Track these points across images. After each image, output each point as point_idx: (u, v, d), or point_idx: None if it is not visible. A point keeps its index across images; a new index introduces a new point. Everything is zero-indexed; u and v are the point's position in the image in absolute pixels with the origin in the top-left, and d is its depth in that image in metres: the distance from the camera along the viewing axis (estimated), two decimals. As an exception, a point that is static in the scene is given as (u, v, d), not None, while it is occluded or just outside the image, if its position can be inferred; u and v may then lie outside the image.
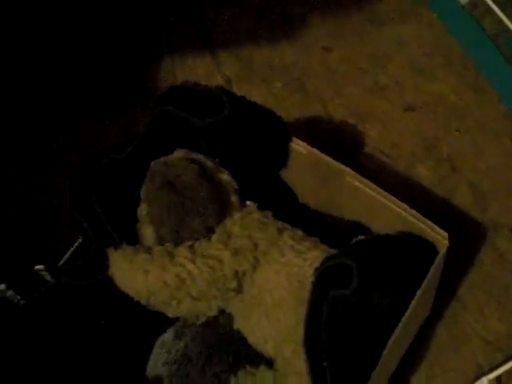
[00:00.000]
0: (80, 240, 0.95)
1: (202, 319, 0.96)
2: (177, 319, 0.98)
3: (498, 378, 1.01)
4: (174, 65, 1.41)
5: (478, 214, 1.17)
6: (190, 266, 0.86)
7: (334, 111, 1.32)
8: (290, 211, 0.97)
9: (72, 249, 0.95)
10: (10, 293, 0.88)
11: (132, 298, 0.91)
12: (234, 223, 0.90)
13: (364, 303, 0.81)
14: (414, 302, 0.85)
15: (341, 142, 0.97)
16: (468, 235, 1.15)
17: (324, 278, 0.82)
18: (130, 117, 1.29)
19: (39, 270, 0.89)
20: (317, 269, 0.84)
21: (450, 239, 0.88)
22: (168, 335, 0.98)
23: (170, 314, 0.95)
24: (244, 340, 0.94)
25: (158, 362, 0.97)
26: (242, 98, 0.97)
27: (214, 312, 0.95)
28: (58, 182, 0.97)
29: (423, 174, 1.23)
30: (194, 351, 0.94)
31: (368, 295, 0.81)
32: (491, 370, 1.01)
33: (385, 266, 0.83)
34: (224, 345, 0.94)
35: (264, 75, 1.36)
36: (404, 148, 1.26)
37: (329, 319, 0.79)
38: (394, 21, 1.43)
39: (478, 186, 1.20)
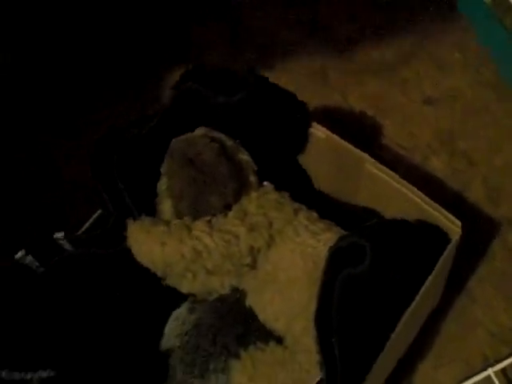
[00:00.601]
0: (99, 212, 0.97)
1: (215, 296, 0.97)
2: (190, 296, 1.00)
3: (504, 370, 1.02)
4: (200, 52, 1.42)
5: (491, 210, 1.19)
6: (207, 240, 0.87)
7: (354, 102, 1.34)
8: (305, 196, 0.97)
9: (91, 220, 0.96)
10: (28, 259, 0.89)
11: (148, 272, 0.92)
12: (251, 201, 0.91)
13: (375, 283, 0.82)
14: (424, 287, 0.86)
15: (359, 132, 0.98)
16: (480, 230, 1.16)
17: (337, 257, 0.83)
18: (152, 93, 1.31)
19: (58, 238, 0.91)
20: (331, 247, 0.85)
21: (462, 230, 0.89)
22: (182, 309, 1.00)
23: (184, 289, 0.96)
24: (255, 317, 0.95)
25: (171, 334, 0.98)
26: (266, 79, 0.98)
27: (226, 290, 0.96)
28: (79, 156, 0.99)
29: (438, 166, 1.24)
30: (205, 323, 0.96)
31: (380, 276, 0.82)
32: (497, 362, 1.02)
33: (398, 248, 0.84)
34: (235, 318, 0.96)
35: (286, 63, 1.38)
36: (420, 140, 1.28)
37: (340, 297, 0.80)
38: (418, 16, 1.44)
39: (492, 181, 1.21)
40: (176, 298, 1.00)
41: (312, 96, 1.01)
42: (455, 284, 1.10)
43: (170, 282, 0.96)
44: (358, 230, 0.85)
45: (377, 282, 0.82)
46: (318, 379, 0.83)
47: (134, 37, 1.46)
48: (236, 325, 0.96)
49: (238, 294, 0.98)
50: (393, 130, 1.30)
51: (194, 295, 1.00)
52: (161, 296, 0.98)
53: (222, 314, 0.96)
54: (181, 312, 1.00)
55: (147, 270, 0.92)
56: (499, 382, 0.99)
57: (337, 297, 0.80)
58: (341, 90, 1.35)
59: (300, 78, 1.06)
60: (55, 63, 1.43)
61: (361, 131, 0.99)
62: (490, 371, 1.00)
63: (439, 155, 1.26)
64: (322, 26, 1.46)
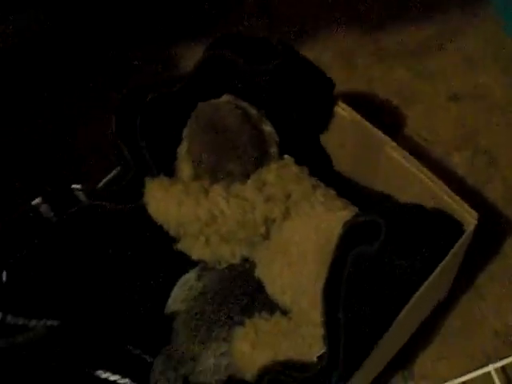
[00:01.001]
0: (116, 170, 0.97)
1: (224, 265, 0.98)
2: (200, 262, 1.01)
3: (504, 369, 1.03)
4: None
5: (507, 209, 1.18)
6: (223, 205, 0.87)
7: (379, 89, 1.34)
8: (323, 174, 0.97)
9: (109, 176, 0.97)
10: (44, 207, 0.89)
11: (161, 233, 0.93)
12: (270, 172, 0.91)
13: (386, 263, 0.81)
14: (434, 274, 0.86)
15: (380, 120, 0.98)
16: (495, 228, 1.16)
17: (351, 233, 0.84)
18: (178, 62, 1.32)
19: (75, 189, 0.91)
20: (345, 223, 0.85)
21: (477, 223, 0.89)
22: (190, 275, 1.01)
23: (195, 254, 0.97)
24: (262, 289, 0.96)
25: (177, 298, 0.99)
26: (297, 51, 0.98)
27: (236, 259, 0.97)
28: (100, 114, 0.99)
29: (459, 162, 1.24)
30: (211, 291, 0.97)
31: (391, 256, 0.81)
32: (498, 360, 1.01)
33: (412, 231, 0.84)
34: (242, 289, 0.97)
35: (314, 44, 1.38)
36: (443, 135, 1.28)
37: (350, 273, 0.80)
38: (452, 9, 1.43)
39: (512, 181, 1.21)
40: (185, 263, 1.01)
41: (336, 79, 1.01)
42: (465, 279, 1.10)
43: (182, 246, 0.96)
44: (375, 209, 0.86)
45: (388, 261, 0.81)
46: (319, 353, 0.83)
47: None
48: (242, 296, 0.96)
49: (247, 265, 0.99)
50: (415, 122, 1.30)
51: (203, 262, 1.00)
52: (171, 259, 0.99)
53: (230, 284, 0.97)
54: (189, 277, 1.01)
55: (160, 231, 0.93)
56: (498, 379, 0.98)
57: (347, 272, 0.80)
58: (366, 76, 1.36)
59: (326, 59, 1.06)
60: (78, 23, 1.45)
61: (383, 119, 0.99)
62: (490, 367, 1.00)
63: (461, 151, 1.25)
64: (354, 10, 1.46)
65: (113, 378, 0.93)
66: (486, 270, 1.13)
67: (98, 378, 0.92)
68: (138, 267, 0.98)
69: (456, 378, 1.01)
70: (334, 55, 1.37)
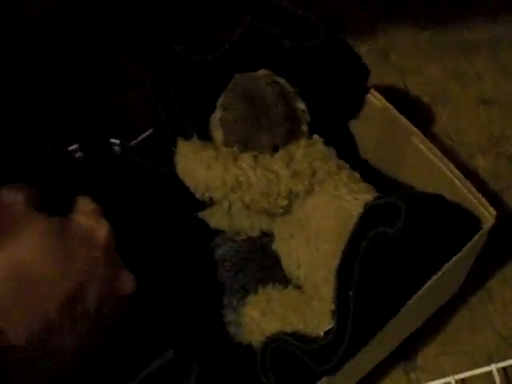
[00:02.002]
0: (152, 129, 0.99)
1: (243, 237, 1.00)
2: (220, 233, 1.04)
3: (505, 370, 1.04)
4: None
5: (527, 215, 1.19)
6: (250, 173, 0.89)
7: (411, 86, 1.35)
8: (350, 160, 0.98)
9: (144, 134, 0.99)
10: (79, 154, 0.91)
11: (188, 201, 0.95)
12: (299, 148, 0.93)
13: (403, 248, 0.83)
14: (447, 266, 0.87)
15: (410, 117, 0.99)
16: (511, 233, 1.17)
17: (371, 214, 0.85)
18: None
19: (113, 144, 0.93)
20: (366, 203, 0.87)
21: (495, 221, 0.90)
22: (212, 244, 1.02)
23: (214, 222, 1.01)
24: (279, 263, 0.98)
25: None
26: (336, 33, 0.99)
27: (255, 232, 1.00)
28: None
29: (482, 165, 1.25)
30: (228, 260, 0.98)
31: (409, 242, 0.83)
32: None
33: (431, 219, 0.85)
34: (258, 262, 0.98)
35: (352, 36, 1.38)
36: (470, 137, 1.29)
37: (366, 253, 0.81)
38: (490, 14, 1.45)
39: (533, 189, 1.22)
40: (207, 233, 1.03)
41: (371, 72, 1.02)
42: (477, 279, 1.11)
43: (204, 213, 1.00)
44: (397, 193, 0.87)
45: (404, 246, 0.83)
46: (327, 329, 0.85)
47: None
48: (259, 268, 0.98)
49: (265, 239, 1.00)
50: (444, 121, 1.31)
51: (222, 233, 1.03)
52: (194, 227, 1.02)
53: (248, 256, 0.99)
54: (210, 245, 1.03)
55: (188, 198, 0.94)
56: (499, 380, 1.00)
57: (363, 252, 0.81)
58: (400, 72, 1.38)
59: (361, 53, 1.07)
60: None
61: (412, 115, 1.00)
62: (492, 367, 1.01)
63: (485, 155, 1.27)
64: (395, 6, 1.47)
65: None
66: (499, 273, 1.14)
67: None
68: (160, 228, 1.00)
69: (457, 374, 1.02)
70: (370, 49, 1.40)
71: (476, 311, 1.11)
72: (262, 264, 0.98)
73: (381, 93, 1.02)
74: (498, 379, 1.00)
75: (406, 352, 1.06)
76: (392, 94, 1.23)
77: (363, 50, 1.39)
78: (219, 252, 1.00)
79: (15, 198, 0.73)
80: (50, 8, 1.45)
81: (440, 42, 1.42)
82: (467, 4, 1.48)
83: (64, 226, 0.75)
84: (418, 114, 1.31)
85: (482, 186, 1.22)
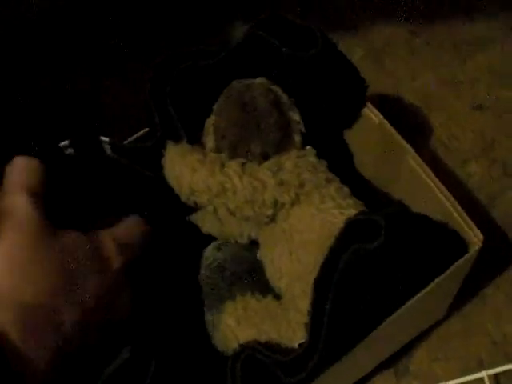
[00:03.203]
0: (145, 130, 1.00)
1: (232, 243, 1.02)
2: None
3: (497, 376, 1.04)
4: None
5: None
6: (236, 180, 0.89)
7: (404, 92, 1.37)
8: (343, 173, 0.98)
9: (138, 134, 1.00)
10: (70, 151, 0.92)
11: (179, 203, 0.96)
12: (289, 159, 0.93)
13: (382, 266, 0.83)
14: (428, 288, 0.87)
15: (403, 123, 1.00)
16: (505, 238, 1.18)
17: (352, 229, 0.85)
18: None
19: (103, 142, 0.94)
20: (348, 219, 0.87)
21: (484, 241, 0.90)
22: (209, 248, 1.04)
23: (204, 227, 1.02)
24: (262, 271, 0.99)
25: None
26: (334, 44, 0.99)
27: (244, 239, 1.01)
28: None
29: (475, 171, 1.26)
30: (229, 268, 1.00)
31: (389, 260, 0.83)
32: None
33: (413, 238, 0.85)
34: (254, 272, 1.00)
35: (347, 40, 1.42)
36: (462, 143, 1.30)
37: (344, 268, 0.81)
38: (485, 20, 1.47)
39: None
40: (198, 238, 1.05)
41: (364, 76, 1.03)
42: (471, 286, 1.10)
43: (194, 217, 1.02)
44: (381, 210, 0.86)
45: (384, 264, 0.83)
46: (301, 341, 0.85)
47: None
48: (253, 279, 1.00)
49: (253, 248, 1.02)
50: (437, 127, 1.32)
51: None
52: (185, 231, 1.03)
53: (246, 266, 1.01)
54: (208, 250, 1.04)
55: (177, 200, 0.95)
56: None
57: (341, 266, 0.81)
58: (394, 78, 1.39)
59: (355, 58, 1.07)
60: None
61: (405, 122, 1.00)
62: (483, 373, 1.01)
63: (478, 161, 1.28)
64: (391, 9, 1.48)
65: None
66: (493, 279, 1.14)
67: None
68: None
69: (448, 380, 1.03)
70: (364, 55, 1.42)
71: (469, 317, 1.11)
72: (257, 273, 0.99)
73: (376, 104, 1.02)
74: (488, 385, 0.99)
75: (397, 358, 1.06)
76: (384, 99, 1.26)
77: (358, 53, 1.42)
78: (220, 256, 1.01)
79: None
80: (51, 7, 1.46)
81: (433, 49, 1.44)
82: (462, 10, 1.49)
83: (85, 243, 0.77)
84: (412, 119, 1.33)
85: (474, 191, 1.23)
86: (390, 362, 1.06)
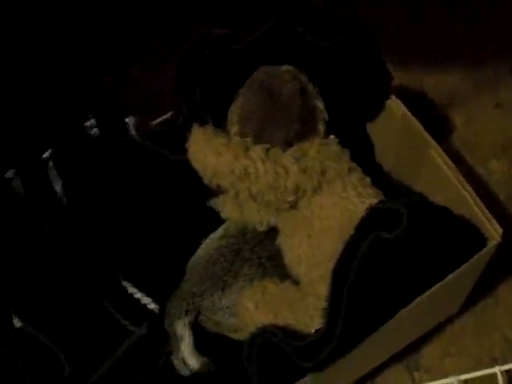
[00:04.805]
0: (171, 113, 1.00)
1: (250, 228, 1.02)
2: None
3: (509, 372, 1.03)
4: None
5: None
6: (259, 165, 0.90)
7: (429, 89, 1.38)
8: (364, 164, 0.99)
9: (161, 118, 1.01)
10: (95, 131, 0.94)
11: (198, 189, 0.97)
12: (312, 146, 0.93)
13: (401, 255, 0.83)
14: (445, 281, 0.87)
15: (426, 119, 1.00)
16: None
17: (373, 217, 0.85)
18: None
19: (127, 122, 0.94)
20: (369, 207, 0.88)
21: (503, 236, 0.90)
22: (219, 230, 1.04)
23: (225, 212, 1.02)
24: (281, 257, 0.99)
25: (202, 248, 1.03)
26: (364, 31, 1.00)
27: (263, 227, 1.01)
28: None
29: (495, 169, 1.27)
30: (235, 244, 1.01)
31: (407, 249, 0.83)
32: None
33: (433, 229, 0.85)
34: (263, 250, 1.00)
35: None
36: (484, 141, 1.31)
37: (364, 255, 0.82)
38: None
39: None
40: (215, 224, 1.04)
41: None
42: (485, 284, 1.10)
43: (214, 202, 1.02)
44: (402, 200, 0.87)
45: (404, 253, 0.83)
46: (318, 327, 0.85)
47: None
48: (261, 257, 0.99)
49: (272, 233, 1.02)
50: (460, 126, 1.33)
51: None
52: (203, 217, 1.04)
53: (253, 243, 1.01)
54: (218, 231, 1.04)
55: (199, 186, 0.96)
56: (503, 382, 1.00)
57: (361, 254, 0.82)
58: (419, 75, 1.39)
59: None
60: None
61: (428, 118, 1.00)
62: (496, 369, 1.00)
63: (499, 159, 1.28)
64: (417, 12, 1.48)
65: (138, 295, 0.99)
66: (507, 278, 1.14)
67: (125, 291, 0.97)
68: (169, 214, 1.01)
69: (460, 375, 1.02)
70: (389, 52, 1.38)
71: (482, 315, 1.11)
72: (266, 253, 1.00)
73: (400, 98, 1.02)
74: (501, 382, 0.99)
75: (410, 351, 1.07)
76: (409, 95, 1.24)
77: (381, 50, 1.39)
78: (224, 240, 1.02)
79: None
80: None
81: (454, 50, 1.44)
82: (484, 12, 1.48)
83: None
84: (434, 117, 1.32)
85: (493, 189, 1.23)
86: (402, 356, 1.06)
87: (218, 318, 0.96)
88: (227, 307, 0.96)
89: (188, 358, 0.94)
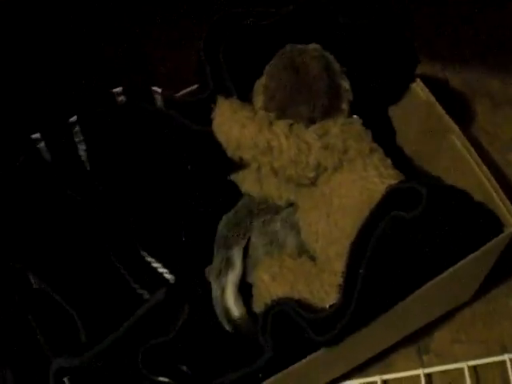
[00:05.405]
0: (195, 86, 1.01)
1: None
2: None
3: None
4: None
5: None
6: (283, 139, 0.91)
7: (452, 77, 1.38)
8: (386, 146, 0.99)
9: (187, 90, 1.01)
10: (121, 98, 0.96)
11: (222, 159, 0.97)
12: (336, 125, 0.94)
13: (419, 235, 0.84)
14: (460, 264, 0.88)
15: (447, 106, 1.00)
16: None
17: (393, 197, 0.86)
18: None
19: (155, 92, 0.95)
20: (389, 186, 0.88)
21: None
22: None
23: (245, 186, 1.03)
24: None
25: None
26: (392, 12, 1.00)
27: (282, 202, 1.02)
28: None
29: (513, 162, 1.26)
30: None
31: (426, 230, 0.84)
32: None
33: (451, 211, 0.86)
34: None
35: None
36: (505, 132, 1.30)
37: (382, 234, 0.82)
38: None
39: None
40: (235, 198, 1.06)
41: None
42: (496, 272, 1.08)
43: (235, 176, 1.03)
44: (422, 180, 0.88)
45: (420, 234, 0.84)
46: (333, 302, 0.86)
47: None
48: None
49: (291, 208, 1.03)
50: (481, 115, 1.32)
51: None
52: (223, 189, 1.05)
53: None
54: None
55: (222, 157, 0.97)
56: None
57: (379, 232, 0.83)
58: (442, 63, 1.39)
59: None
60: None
61: (450, 106, 1.01)
62: (505, 356, 1.02)
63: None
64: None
65: (155, 264, 1.01)
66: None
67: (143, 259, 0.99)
68: (191, 186, 1.02)
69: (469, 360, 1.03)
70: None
71: (494, 303, 1.12)
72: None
73: (424, 83, 1.03)
74: (510, 369, 1.01)
75: (420, 335, 1.08)
76: (431, 83, 1.25)
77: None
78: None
79: None
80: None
81: (482, 37, 1.43)
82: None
83: None
84: (456, 105, 1.32)
85: (510, 181, 1.23)
86: (412, 340, 1.07)
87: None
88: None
89: (230, 298, 0.98)
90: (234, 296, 0.97)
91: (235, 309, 0.96)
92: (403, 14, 1.38)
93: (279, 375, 0.84)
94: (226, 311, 0.97)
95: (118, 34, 1.45)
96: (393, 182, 0.92)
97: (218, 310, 0.98)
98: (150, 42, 1.44)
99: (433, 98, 1.01)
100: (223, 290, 0.97)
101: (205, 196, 1.04)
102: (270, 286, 0.93)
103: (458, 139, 0.98)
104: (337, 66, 0.98)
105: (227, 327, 0.98)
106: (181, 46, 1.41)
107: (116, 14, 1.48)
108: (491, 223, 0.91)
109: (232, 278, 0.98)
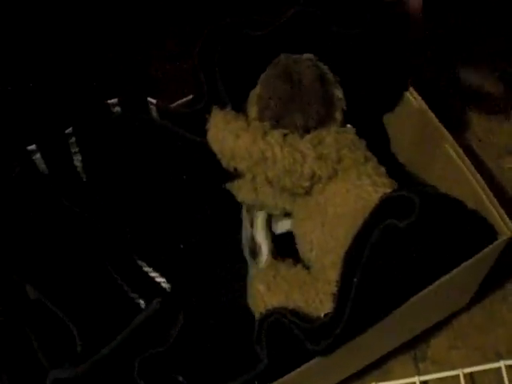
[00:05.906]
0: (190, 96, 1.02)
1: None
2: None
3: None
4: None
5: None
6: (277, 149, 0.91)
7: (446, 84, 1.36)
8: (379, 155, 0.99)
9: (182, 100, 1.02)
10: (117, 109, 0.96)
11: (217, 169, 0.97)
12: (329, 134, 0.95)
13: (412, 244, 0.84)
14: (454, 272, 0.88)
15: (440, 114, 1.01)
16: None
17: (386, 206, 0.86)
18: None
19: (150, 102, 0.96)
20: (383, 195, 0.89)
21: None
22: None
23: (240, 195, 1.03)
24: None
25: None
26: (387, 20, 1.00)
27: (278, 211, 1.03)
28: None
29: (509, 166, 1.26)
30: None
31: (419, 239, 0.84)
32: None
33: (445, 219, 0.86)
34: None
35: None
36: (499, 138, 1.30)
37: (375, 243, 0.83)
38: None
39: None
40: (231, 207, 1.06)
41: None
42: (492, 279, 1.09)
43: (230, 185, 1.02)
44: (415, 188, 0.88)
45: (413, 242, 0.84)
46: (328, 311, 0.87)
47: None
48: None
49: None
50: (474, 121, 1.32)
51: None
52: (218, 199, 1.05)
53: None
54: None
55: (217, 168, 0.97)
56: (507, 377, 1.00)
57: (373, 241, 0.83)
58: (436, 67, 1.38)
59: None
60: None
61: (443, 113, 1.01)
62: (501, 363, 1.01)
63: (513, 156, 1.28)
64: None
65: (153, 274, 1.01)
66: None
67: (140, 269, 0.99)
68: (187, 196, 1.03)
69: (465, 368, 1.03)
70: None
71: (489, 310, 1.12)
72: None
73: (418, 91, 1.03)
74: (506, 376, 1.00)
75: (416, 343, 1.08)
76: (425, 88, 1.25)
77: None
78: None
79: None
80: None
81: (478, 44, 1.43)
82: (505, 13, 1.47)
83: None
84: (449, 111, 1.31)
85: (505, 187, 1.23)
86: (409, 347, 1.07)
87: None
88: None
89: (260, 233, 1.02)
90: (263, 231, 1.01)
91: (266, 242, 1.00)
92: (399, 21, 1.38)
93: (274, 384, 0.84)
94: (254, 248, 1.00)
95: (115, 44, 1.45)
96: (387, 190, 0.93)
97: (247, 251, 1.01)
98: (147, 53, 1.44)
99: (425, 106, 1.01)
100: (252, 225, 1.01)
101: (201, 205, 1.04)
102: (265, 296, 0.93)
103: (451, 147, 0.98)
104: (330, 75, 0.98)
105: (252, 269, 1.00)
106: (178, 56, 1.41)
107: (113, 26, 1.48)
108: (485, 231, 0.91)
109: (261, 214, 1.01)
